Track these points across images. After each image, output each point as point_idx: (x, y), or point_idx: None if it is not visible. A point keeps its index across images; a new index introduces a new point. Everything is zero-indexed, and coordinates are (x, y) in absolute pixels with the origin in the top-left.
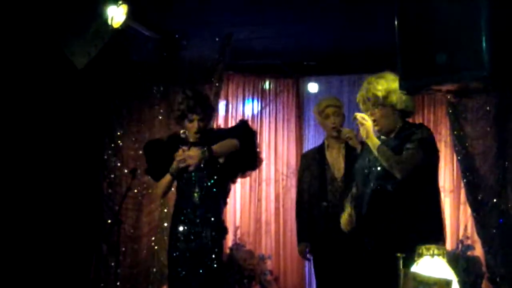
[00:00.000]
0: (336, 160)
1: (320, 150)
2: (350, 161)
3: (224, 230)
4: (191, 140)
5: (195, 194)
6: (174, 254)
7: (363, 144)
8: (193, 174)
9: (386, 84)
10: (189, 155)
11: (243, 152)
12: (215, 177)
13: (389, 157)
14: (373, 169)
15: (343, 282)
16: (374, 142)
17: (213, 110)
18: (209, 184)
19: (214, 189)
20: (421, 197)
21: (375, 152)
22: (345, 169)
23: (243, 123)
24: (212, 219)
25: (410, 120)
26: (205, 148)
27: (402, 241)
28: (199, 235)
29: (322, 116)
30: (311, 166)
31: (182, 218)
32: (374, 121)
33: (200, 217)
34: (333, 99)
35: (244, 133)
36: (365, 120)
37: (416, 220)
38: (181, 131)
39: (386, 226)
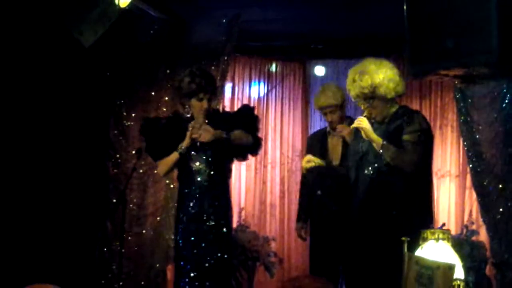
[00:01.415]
0: (335, 148)
1: (323, 135)
2: (348, 150)
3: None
4: (200, 118)
5: (204, 173)
6: (184, 235)
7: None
8: (202, 152)
9: (371, 80)
10: (206, 129)
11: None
12: (222, 156)
13: (394, 154)
14: (367, 154)
15: (335, 267)
16: (376, 142)
17: (218, 90)
18: (217, 162)
19: (222, 168)
20: (416, 184)
21: (379, 150)
22: (342, 159)
23: (248, 109)
24: (222, 197)
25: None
26: (224, 133)
27: (396, 226)
28: (210, 215)
29: (321, 113)
30: (314, 149)
31: (191, 197)
32: (368, 110)
33: (210, 196)
34: (328, 96)
35: (250, 120)
36: (362, 124)
37: (409, 206)
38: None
39: (382, 212)
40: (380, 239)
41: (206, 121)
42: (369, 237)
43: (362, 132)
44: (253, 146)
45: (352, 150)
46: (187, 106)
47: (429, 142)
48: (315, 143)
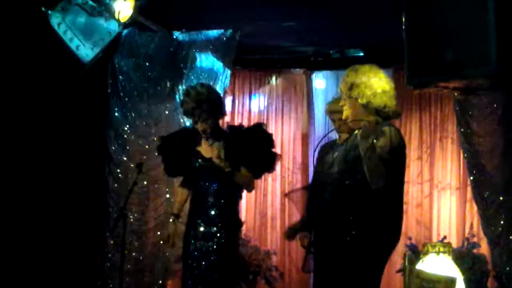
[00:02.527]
0: None
1: (333, 145)
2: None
3: (240, 225)
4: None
5: (214, 193)
6: (191, 252)
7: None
8: (212, 172)
9: (353, 78)
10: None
11: (260, 157)
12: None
13: (374, 166)
14: (333, 166)
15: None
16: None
17: (221, 106)
18: (227, 183)
19: (231, 189)
20: (384, 196)
21: (364, 151)
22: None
23: (261, 129)
24: (230, 217)
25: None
26: (230, 169)
27: (361, 241)
28: (215, 233)
29: (330, 118)
30: (323, 158)
31: (200, 216)
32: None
33: (219, 215)
34: (336, 103)
35: (263, 139)
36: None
37: (375, 221)
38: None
39: (346, 226)
40: (346, 253)
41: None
42: (336, 250)
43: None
44: (269, 165)
45: (322, 161)
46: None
47: (401, 159)
48: (325, 154)
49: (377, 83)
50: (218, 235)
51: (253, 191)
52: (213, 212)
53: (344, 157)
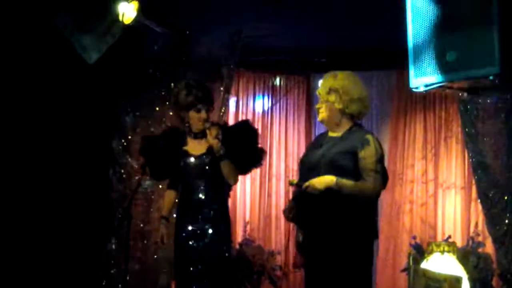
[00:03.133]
0: None
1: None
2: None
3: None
4: (197, 130)
5: (202, 190)
6: (181, 252)
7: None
8: (199, 169)
9: (331, 82)
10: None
11: (246, 152)
12: (220, 173)
13: (352, 189)
14: (316, 166)
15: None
16: (328, 183)
17: (213, 101)
18: (215, 179)
19: (220, 185)
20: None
21: (336, 187)
22: None
23: (246, 125)
24: (220, 214)
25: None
26: (221, 148)
27: (340, 238)
28: (206, 231)
29: None
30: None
31: (189, 214)
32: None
33: (208, 213)
34: None
35: (248, 134)
36: (311, 187)
37: (353, 221)
38: (186, 122)
39: (327, 225)
40: (326, 250)
41: (195, 134)
42: (317, 248)
43: (316, 190)
44: (254, 159)
45: (303, 161)
46: (186, 119)
47: (384, 166)
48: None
49: (354, 90)
50: (209, 232)
51: (258, 191)
52: (204, 210)
53: (325, 159)
